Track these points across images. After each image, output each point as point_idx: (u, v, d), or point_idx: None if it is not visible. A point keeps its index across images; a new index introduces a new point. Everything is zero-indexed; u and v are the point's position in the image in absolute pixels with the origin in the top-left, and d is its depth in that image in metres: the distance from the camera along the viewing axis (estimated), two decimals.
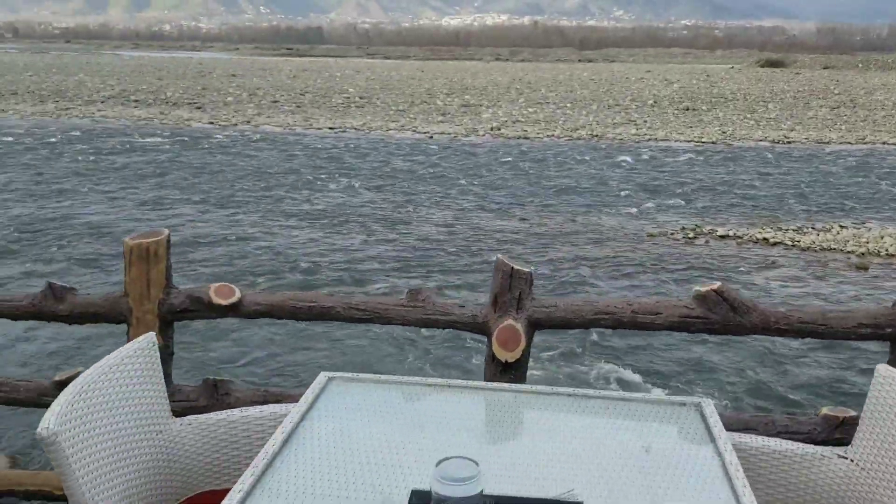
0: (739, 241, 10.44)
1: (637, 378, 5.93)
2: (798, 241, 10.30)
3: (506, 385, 2.28)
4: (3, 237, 9.90)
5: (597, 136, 22.70)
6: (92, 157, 16.99)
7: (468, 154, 18.79)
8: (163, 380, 2.22)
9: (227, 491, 1.64)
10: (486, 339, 2.85)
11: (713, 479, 1.71)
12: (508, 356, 2.76)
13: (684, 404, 2.09)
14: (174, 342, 3.12)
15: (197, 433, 2.23)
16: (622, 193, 14.00)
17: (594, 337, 6.62)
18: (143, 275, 2.97)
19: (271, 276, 8.53)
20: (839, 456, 2.16)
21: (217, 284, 3.02)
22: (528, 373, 2.86)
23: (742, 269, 9.08)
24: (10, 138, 19.92)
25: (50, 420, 1.70)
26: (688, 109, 31.49)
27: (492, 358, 2.81)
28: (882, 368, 2.11)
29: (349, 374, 2.24)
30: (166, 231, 3.02)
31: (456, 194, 13.68)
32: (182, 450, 2.19)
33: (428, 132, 23.13)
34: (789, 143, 21.74)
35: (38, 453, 4.29)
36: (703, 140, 21.91)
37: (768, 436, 2.32)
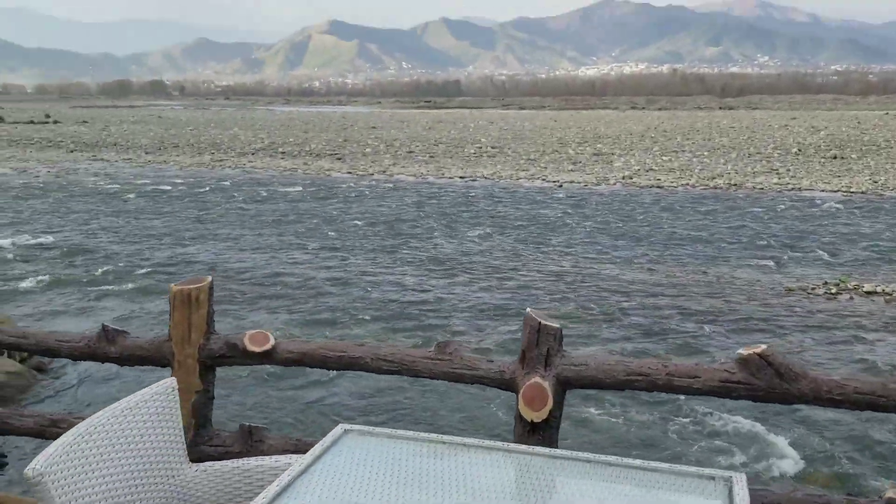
0: (889, 297, 9.63)
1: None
2: None
3: (521, 447, 2.15)
4: (150, 276, 10.74)
5: (735, 184, 21.81)
6: (235, 205, 18.18)
7: (597, 202, 18.56)
8: (180, 425, 2.21)
9: None
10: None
11: None
12: (534, 416, 2.61)
13: (713, 478, 1.92)
14: (214, 387, 3.17)
15: (211, 480, 2.21)
16: (760, 244, 13.32)
17: None
18: (185, 320, 3.04)
19: (360, 320, 8.71)
20: None
21: (253, 332, 3.06)
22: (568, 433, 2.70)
23: (891, 328, 8.36)
24: (169, 187, 21.70)
25: (39, 461, 1.70)
26: (835, 157, 29.66)
27: (519, 417, 2.67)
28: None
29: (366, 427, 2.20)
30: (209, 278, 3.10)
31: (580, 242, 13.50)
32: (194, 497, 2.17)
33: (557, 181, 23.08)
34: None
35: None
36: (851, 190, 20.53)
37: None
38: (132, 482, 1.96)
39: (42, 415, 3.47)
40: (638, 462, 2.05)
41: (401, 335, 8.16)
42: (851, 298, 9.65)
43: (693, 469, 2.01)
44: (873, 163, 27.56)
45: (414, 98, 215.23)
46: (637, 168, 26.58)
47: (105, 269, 11.25)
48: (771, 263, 11.84)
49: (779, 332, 8.27)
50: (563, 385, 2.69)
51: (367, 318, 8.76)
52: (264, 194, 20.15)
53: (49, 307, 9.26)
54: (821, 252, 12.62)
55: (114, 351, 3.19)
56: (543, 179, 23.61)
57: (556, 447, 2.59)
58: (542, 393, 2.61)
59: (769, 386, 2.49)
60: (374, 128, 56.90)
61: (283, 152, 34.01)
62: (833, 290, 9.97)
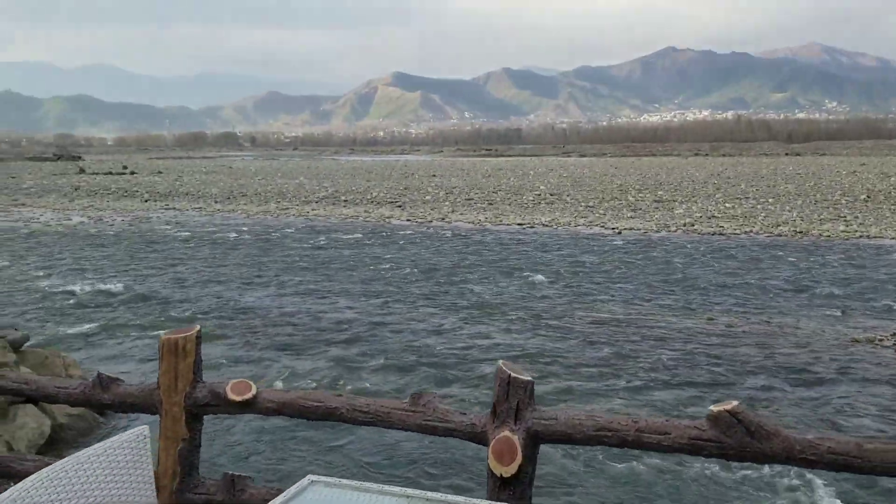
0: None
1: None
2: None
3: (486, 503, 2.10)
4: (212, 318, 11.05)
5: (801, 232, 21.24)
6: (296, 252, 18.61)
7: (656, 250, 18.31)
8: (151, 474, 2.19)
9: None
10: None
11: None
12: (504, 470, 2.55)
13: None
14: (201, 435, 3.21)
15: None
16: (826, 294, 12.90)
17: None
18: (173, 368, 3.09)
19: (406, 363, 8.74)
20: None
21: (235, 381, 3.09)
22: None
23: None
24: (234, 234, 22.39)
25: None
26: None
27: (490, 472, 2.61)
28: None
29: (333, 479, 2.20)
30: (197, 327, 3.15)
31: (635, 290, 13.32)
32: None
33: (616, 228, 22.90)
34: None
35: None
36: None
37: None
38: None
39: (42, 459, 3.56)
40: None
41: (431, 379, 8.18)
42: None
43: None
44: None
45: (475, 146, 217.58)
46: (699, 215, 26.17)
47: (167, 314, 11.63)
48: (838, 313, 11.45)
49: (843, 385, 7.96)
50: (535, 439, 2.62)
51: (411, 361, 8.84)
52: (323, 241, 20.58)
53: (113, 350, 9.60)
54: (890, 302, 12.14)
55: (107, 398, 3.25)
56: (602, 226, 23.46)
57: None
58: (511, 447, 2.56)
59: (740, 445, 2.39)
60: (434, 175, 57.66)
61: (345, 200, 34.75)
62: None
